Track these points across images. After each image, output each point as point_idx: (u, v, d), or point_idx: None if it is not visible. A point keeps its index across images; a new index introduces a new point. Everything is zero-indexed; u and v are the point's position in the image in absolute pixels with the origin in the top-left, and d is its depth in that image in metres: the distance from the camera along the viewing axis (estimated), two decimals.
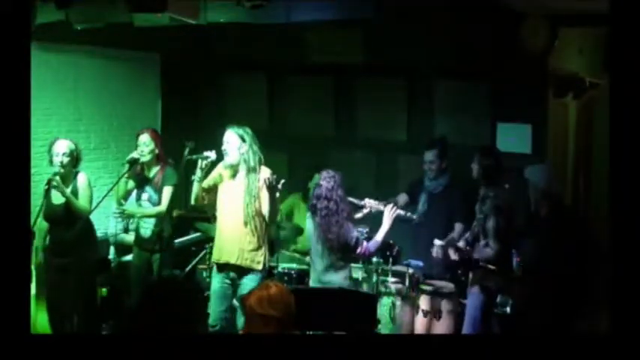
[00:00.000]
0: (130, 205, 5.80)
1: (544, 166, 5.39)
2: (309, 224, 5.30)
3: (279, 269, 5.98)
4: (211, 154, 5.07)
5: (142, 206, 5.71)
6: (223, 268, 5.19)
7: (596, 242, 4.72)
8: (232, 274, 5.16)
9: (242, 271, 5.13)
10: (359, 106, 7.22)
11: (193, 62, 7.59)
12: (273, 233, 6.18)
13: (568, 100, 6.62)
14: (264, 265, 5.19)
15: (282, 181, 4.93)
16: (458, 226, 5.79)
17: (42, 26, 5.29)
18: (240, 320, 5.09)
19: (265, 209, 5.05)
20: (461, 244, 5.37)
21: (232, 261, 5.11)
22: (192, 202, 5.28)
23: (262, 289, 3.13)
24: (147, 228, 5.69)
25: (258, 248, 5.14)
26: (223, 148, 5.05)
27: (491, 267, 5.08)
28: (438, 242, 5.36)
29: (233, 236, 5.11)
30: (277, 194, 5.01)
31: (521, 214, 5.24)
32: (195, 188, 5.16)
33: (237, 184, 5.10)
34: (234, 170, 5.11)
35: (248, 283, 5.08)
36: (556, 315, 4.68)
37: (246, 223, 5.07)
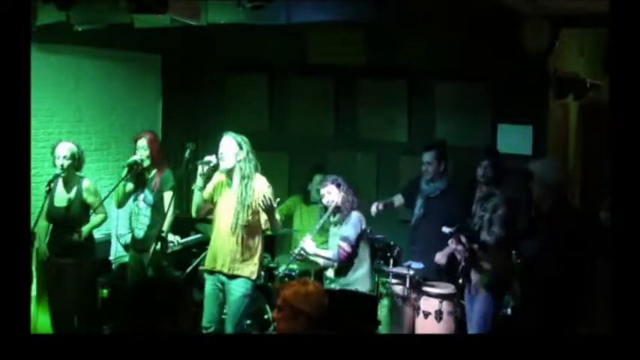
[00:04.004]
0: (128, 206, 5.79)
1: (549, 160, 5.38)
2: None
3: (280, 271, 5.97)
4: (213, 159, 5.04)
5: (137, 207, 5.71)
6: (214, 274, 5.16)
7: (596, 241, 4.71)
8: (222, 279, 5.13)
9: (232, 278, 5.09)
10: (360, 106, 7.22)
11: (194, 63, 7.60)
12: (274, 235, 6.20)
13: (569, 101, 6.62)
14: (257, 273, 5.15)
15: (278, 199, 5.08)
16: None
17: (43, 27, 5.31)
18: (229, 327, 5.08)
19: (265, 222, 5.08)
20: (463, 240, 5.32)
21: (225, 270, 5.07)
22: (194, 214, 5.24)
23: (300, 284, 3.20)
24: (140, 229, 5.69)
25: (250, 257, 5.08)
26: (220, 152, 5.02)
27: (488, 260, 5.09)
28: (446, 229, 5.28)
29: (225, 245, 5.06)
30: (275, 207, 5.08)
31: (523, 215, 5.24)
32: (197, 198, 5.11)
33: (231, 192, 5.07)
34: (230, 177, 5.08)
35: (236, 291, 5.05)
36: (553, 314, 4.67)
37: (234, 232, 5.02)
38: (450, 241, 5.26)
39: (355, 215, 5.27)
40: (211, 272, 5.17)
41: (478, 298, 5.19)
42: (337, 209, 5.24)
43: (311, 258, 5.36)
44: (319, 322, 3.07)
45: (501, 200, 5.11)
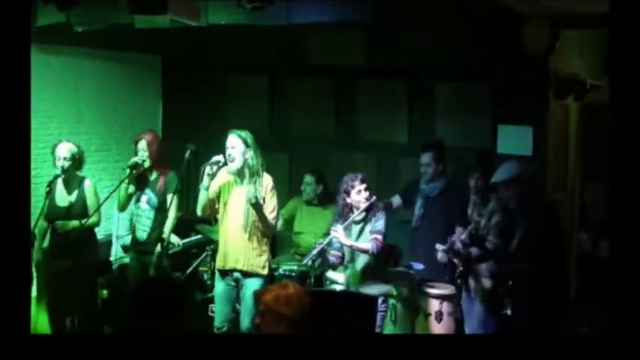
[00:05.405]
0: (129, 207, 5.80)
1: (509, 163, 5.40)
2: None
3: (280, 271, 5.98)
4: (221, 159, 5.04)
5: (139, 208, 5.70)
6: (227, 272, 5.20)
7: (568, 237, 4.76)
8: (236, 276, 5.18)
9: (246, 274, 5.15)
10: (360, 107, 7.21)
11: (194, 64, 7.60)
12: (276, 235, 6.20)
13: (569, 101, 6.63)
14: (268, 268, 5.22)
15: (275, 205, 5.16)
16: (457, 230, 5.77)
17: (43, 28, 5.31)
18: (245, 321, 5.12)
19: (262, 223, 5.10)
20: (458, 245, 5.34)
21: (239, 267, 5.12)
22: (199, 212, 5.25)
23: (280, 287, 3.17)
24: (143, 230, 5.68)
25: (263, 253, 5.16)
26: (228, 153, 5.04)
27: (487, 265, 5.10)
28: (440, 247, 5.34)
29: (238, 243, 5.11)
30: (272, 207, 5.10)
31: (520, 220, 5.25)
32: (203, 197, 5.12)
33: (241, 190, 5.09)
34: (239, 176, 5.10)
35: (251, 286, 5.11)
36: (530, 312, 4.70)
37: (247, 229, 5.07)
38: (449, 254, 5.28)
39: (383, 212, 5.35)
40: (223, 271, 5.20)
41: (476, 305, 5.20)
42: (370, 207, 5.24)
43: (326, 253, 5.35)
44: (303, 325, 3.06)
45: (497, 207, 5.11)
